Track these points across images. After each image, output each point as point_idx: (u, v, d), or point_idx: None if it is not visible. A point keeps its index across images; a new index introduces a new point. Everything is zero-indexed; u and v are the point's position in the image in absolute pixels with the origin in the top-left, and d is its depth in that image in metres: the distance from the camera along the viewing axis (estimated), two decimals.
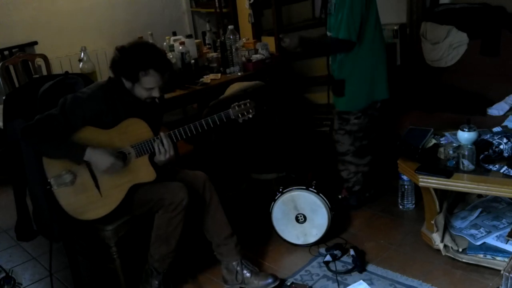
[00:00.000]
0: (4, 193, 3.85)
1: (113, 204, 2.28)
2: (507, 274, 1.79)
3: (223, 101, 2.96)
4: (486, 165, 2.40)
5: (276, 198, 2.77)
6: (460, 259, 2.48)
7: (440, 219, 2.56)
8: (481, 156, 2.42)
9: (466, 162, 2.38)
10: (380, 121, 3.03)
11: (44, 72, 3.99)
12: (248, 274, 2.48)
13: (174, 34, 3.92)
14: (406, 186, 3.03)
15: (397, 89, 2.98)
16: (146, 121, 2.34)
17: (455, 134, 2.51)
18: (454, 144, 2.54)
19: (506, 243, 2.42)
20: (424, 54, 3.73)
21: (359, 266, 2.54)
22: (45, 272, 2.82)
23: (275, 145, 3.40)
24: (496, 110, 3.16)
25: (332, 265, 2.60)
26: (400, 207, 3.10)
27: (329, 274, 2.56)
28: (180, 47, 3.46)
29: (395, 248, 2.73)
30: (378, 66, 2.85)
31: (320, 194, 2.72)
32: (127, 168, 2.30)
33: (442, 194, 2.60)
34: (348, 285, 2.45)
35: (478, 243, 2.48)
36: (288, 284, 2.51)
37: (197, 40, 3.84)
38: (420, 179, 2.44)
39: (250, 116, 2.38)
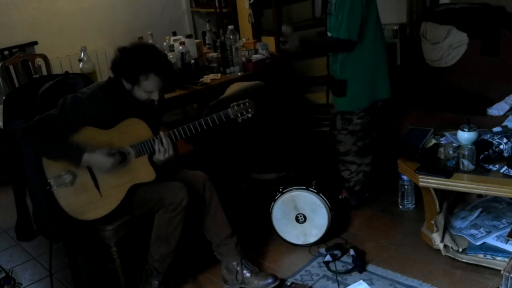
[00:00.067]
0: (4, 193, 3.85)
1: (113, 204, 2.28)
2: (507, 274, 1.79)
3: (223, 101, 2.96)
4: (486, 165, 2.40)
5: (276, 198, 2.77)
6: (460, 259, 2.48)
7: (440, 219, 2.56)
8: (481, 156, 2.42)
9: (466, 162, 2.38)
10: (381, 120, 3.03)
11: (44, 72, 3.99)
12: (248, 274, 2.47)
13: (174, 34, 3.92)
14: (406, 186, 3.03)
15: (397, 89, 2.98)
16: (146, 121, 2.34)
17: (455, 134, 2.51)
18: (454, 144, 2.54)
19: (506, 243, 2.42)
20: (424, 54, 3.73)
21: (359, 266, 2.54)
22: (45, 272, 2.82)
23: (275, 145, 3.40)
24: (496, 110, 3.16)
25: (332, 265, 2.60)
26: (400, 207, 3.10)
27: (329, 274, 2.55)
28: (180, 47, 3.46)
29: (395, 248, 2.73)
30: (380, 66, 2.85)
31: (320, 194, 2.72)
32: (127, 168, 2.30)
33: (442, 194, 2.60)
34: (348, 285, 2.45)
35: (478, 243, 2.48)
36: (288, 284, 2.51)
37: (197, 40, 3.84)
38: (420, 179, 2.44)
39: (249, 115, 2.38)
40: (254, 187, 3.45)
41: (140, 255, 2.57)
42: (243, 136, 3.25)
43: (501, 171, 2.34)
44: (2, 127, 2.70)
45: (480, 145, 2.44)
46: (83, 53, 3.35)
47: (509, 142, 2.44)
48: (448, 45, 3.58)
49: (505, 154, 2.42)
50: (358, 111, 2.88)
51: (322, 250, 2.71)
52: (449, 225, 2.65)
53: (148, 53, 2.25)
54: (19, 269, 2.88)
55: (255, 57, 3.69)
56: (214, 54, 3.66)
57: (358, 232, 2.92)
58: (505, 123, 2.78)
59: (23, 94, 2.42)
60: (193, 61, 3.53)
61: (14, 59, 3.92)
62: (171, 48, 3.51)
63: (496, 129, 2.69)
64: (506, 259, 2.33)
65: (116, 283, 2.50)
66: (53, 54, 4.24)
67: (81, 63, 3.36)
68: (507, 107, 3.15)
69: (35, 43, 4.37)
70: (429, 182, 2.43)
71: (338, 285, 2.46)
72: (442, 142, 2.66)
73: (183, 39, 3.62)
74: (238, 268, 2.48)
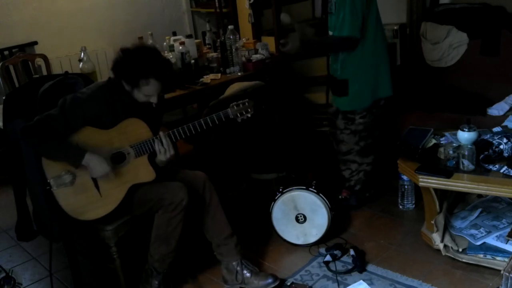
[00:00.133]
0: (4, 193, 3.85)
1: (113, 204, 2.28)
2: (507, 274, 1.79)
3: (223, 101, 2.96)
4: (486, 165, 2.40)
5: (276, 198, 2.77)
6: (460, 259, 2.48)
7: (440, 219, 2.56)
8: (481, 156, 2.42)
9: (466, 162, 2.38)
10: (383, 119, 3.03)
11: (44, 72, 3.99)
12: (248, 274, 2.47)
13: (174, 34, 3.92)
14: (406, 186, 3.03)
15: (397, 89, 2.98)
16: (146, 121, 2.33)
17: (455, 134, 2.51)
18: (454, 144, 2.54)
19: (506, 243, 2.42)
20: (424, 54, 3.73)
21: (359, 266, 2.54)
22: (45, 272, 2.82)
23: (275, 145, 3.40)
24: (496, 110, 3.16)
25: (332, 265, 2.60)
26: (400, 207, 3.10)
27: (329, 274, 2.55)
28: (180, 47, 3.46)
29: (395, 248, 2.73)
30: (381, 64, 2.85)
31: (320, 194, 2.72)
32: (126, 168, 2.30)
33: (442, 194, 2.60)
34: (348, 285, 2.45)
35: (478, 243, 2.48)
36: (288, 284, 2.51)
37: (197, 40, 3.84)
38: (420, 179, 2.44)
39: (249, 115, 2.38)
40: (254, 187, 3.45)
41: (140, 255, 2.57)
42: (243, 136, 3.25)
43: (501, 171, 2.34)
44: (2, 127, 2.70)
45: (480, 145, 2.44)
46: (83, 53, 3.35)
47: (509, 142, 2.44)
48: (448, 45, 3.58)
49: (505, 154, 2.42)
50: (360, 110, 2.88)
51: (322, 250, 2.71)
52: (449, 225, 2.65)
53: (150, 58, 2.23)
54: (19, 269, 2.88)
55: (255, 57, 3.69)
56: (214, 54, 3.66)
57: (358, 232, 2.92)
58: (505, 123, 2.78)
59: (23, 94, 2.43)
60: (193, 61, 3.53)
61: (14, 59, 3.92)
62: (171, 48, 3.50)
63: (496, 129, 2.69)
64: (506, 259, 2.33)
65: (116, 283, 2.50)
66: (53, 54, 4.24)
67: (81, 63, 3.36)
68: (507, 107, 3.15)
69: (35, 43, 4.37)
70: (429, 182, 2.43)
71: (338, 285, 2.46)
72: (442, 142, 2.66)
73: (183, 39, 3.61)
74: (238, 268, 2.48)
